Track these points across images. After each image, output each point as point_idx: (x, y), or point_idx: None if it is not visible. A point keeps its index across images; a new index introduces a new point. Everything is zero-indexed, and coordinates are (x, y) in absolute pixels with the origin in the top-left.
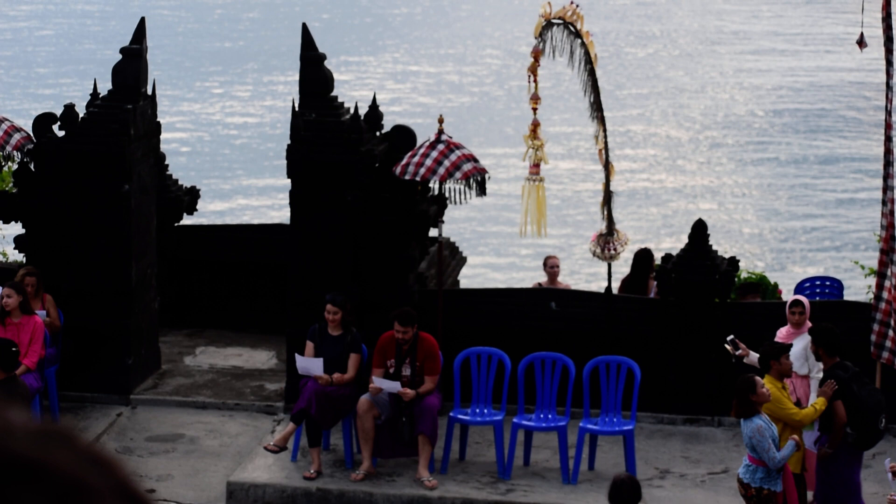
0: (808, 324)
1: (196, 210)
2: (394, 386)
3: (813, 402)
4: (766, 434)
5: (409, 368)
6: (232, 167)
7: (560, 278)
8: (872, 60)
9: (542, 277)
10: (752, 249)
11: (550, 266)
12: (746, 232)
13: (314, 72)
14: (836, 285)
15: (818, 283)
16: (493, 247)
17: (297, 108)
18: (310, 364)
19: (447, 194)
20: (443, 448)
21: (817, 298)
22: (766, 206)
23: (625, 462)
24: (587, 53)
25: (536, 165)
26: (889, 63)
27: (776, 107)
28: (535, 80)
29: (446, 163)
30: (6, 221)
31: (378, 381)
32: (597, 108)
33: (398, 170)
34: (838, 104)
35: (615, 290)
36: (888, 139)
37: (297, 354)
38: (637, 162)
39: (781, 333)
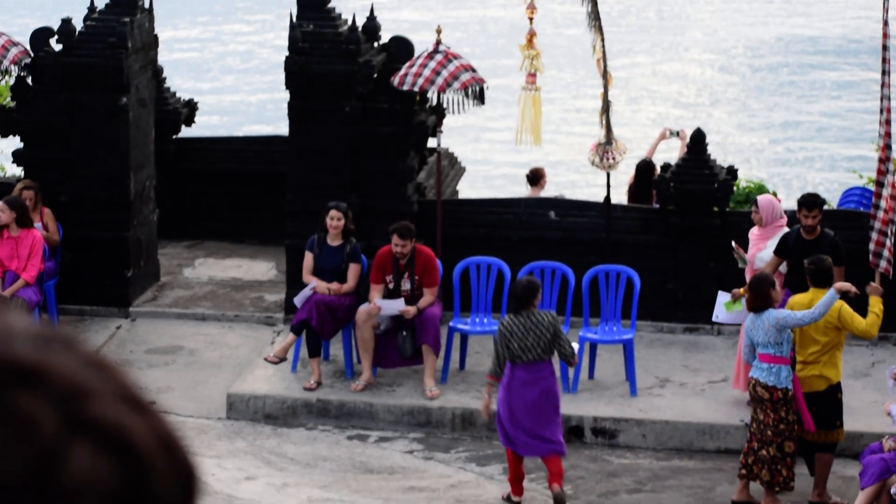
0: (780, 223)
1: (194, 122)
2: (395, 306)
3: (870, 306)
4: (787, 312)
5: (409, 282)
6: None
7: (557, 189)
8: None
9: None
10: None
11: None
12: (747, 143)
13: None
14: None
15: (867, 193)
16: (491, 157)
17: (294, 20)
18: (306, 292)
19: (445, 104)
20: (443, 358)
21: (861, 209)
22: (771, 117)
23: (625, 370)
24: None
25: (532, 75)
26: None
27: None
28: None
29: (444, 73)
30: (4, 136)
31: (380, 303)
32: (594, 17)
33: (396, 80)
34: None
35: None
36: (884, 48)
37: (294, 299)
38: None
39: (753, 234)
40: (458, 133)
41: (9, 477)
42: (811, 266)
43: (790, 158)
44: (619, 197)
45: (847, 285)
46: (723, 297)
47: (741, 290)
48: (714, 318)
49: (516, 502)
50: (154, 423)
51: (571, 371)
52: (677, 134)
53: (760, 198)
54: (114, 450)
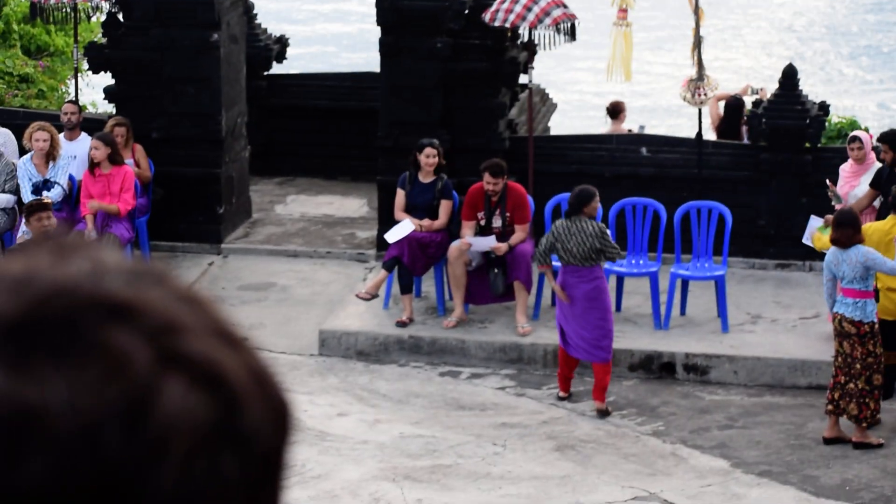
0: (872, 158)
1: (285, 59)
2: (486, 243)
3: None
4: (876, 255)
5: (500, 219)
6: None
7: (637, 121)
8: None
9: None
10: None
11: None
12: (839, 76)
13: None
14: None
15: None
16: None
17: None
18: (399, 230)
19: (537, 40)
20: (534, 295)
21: None
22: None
23: (716, 307)
24: None
25: (624, 10)
26: None
27: None
28: None
29: (536, 9)
30: (95, 72)
31: (471, 240)
32: None
33: (487, 16)
34: None
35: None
36: None
37: (386, 235)
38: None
39: (844, 170)
40: (549, 68)
41: (102, 413)
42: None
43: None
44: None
45: None
46: (815, 222)
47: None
48: (804, 240)
49: (563, 398)
50: (247, 359)
51: (664, 308)
52: (758, 91)
53: (863, 134)
54: (207, 385)
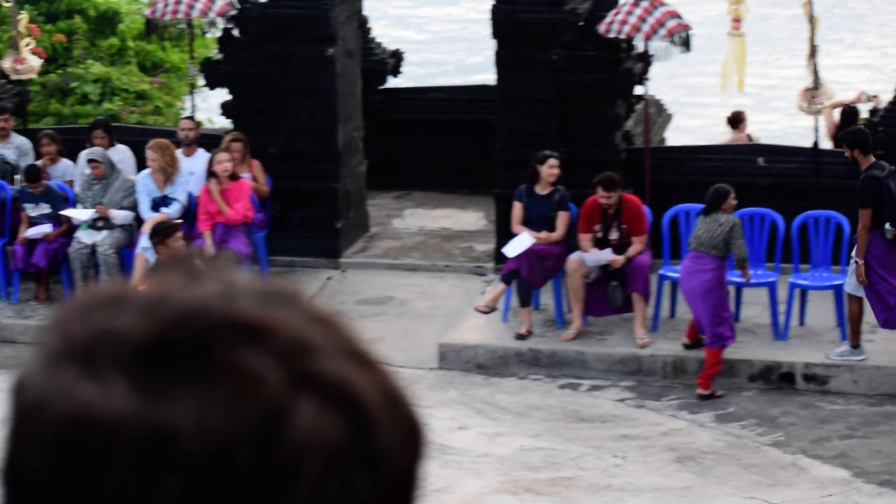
0: None
1: (400, 73)
2: (603, 256)
3: None
4: None
5: (617, 231)
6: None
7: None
8: None
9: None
10: None
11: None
12: None
13: None
14: None
15: None
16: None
17: None
18: (518, 243)
19: (652, 52)
20: (653, 306)
21: None
22: None
23: (835, 316)
24: None
25: (737, 20)
26: None
27: None
28: None
29: (651, 20)
30: (212, 88)
31: (587, 255)
32: None
33: (603, 28)
34: None
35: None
36: None
37: (504, 249)
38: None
39: None
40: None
41: (235, 433)
42: None
43: None
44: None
45: None
46: None
47: None
48: None
49: (687, 345)
50: (379, 378)
51: (783, 318)
52: (872, 99)
53: None
54: (339, 405)
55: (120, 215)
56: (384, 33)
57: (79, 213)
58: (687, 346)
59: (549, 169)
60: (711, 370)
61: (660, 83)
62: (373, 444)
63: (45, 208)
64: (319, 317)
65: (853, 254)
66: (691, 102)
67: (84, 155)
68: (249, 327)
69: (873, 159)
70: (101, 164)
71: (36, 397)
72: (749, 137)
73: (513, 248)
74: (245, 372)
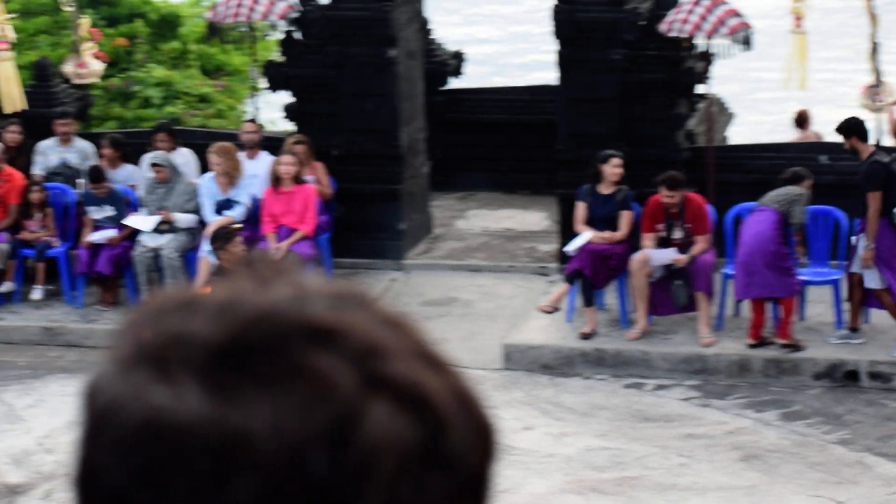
0: None
1: (462, 73)
2: (667, 255)
3: None
4: None
5: (680, 231)
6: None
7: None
8: None
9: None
10: None
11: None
12: None
13: None
14: None
15: None
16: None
17: None
18: (578, 240)
19: (713, 50)
20: (717, 305)
21: None
22: None
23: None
24: None
25: (799, 18)
26: None
27: None
28: None
29: (712, 18)
30: (274, 90)
31: (651, 252)
32: None
33: (664, 27)
34: None
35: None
36: None
37: (566, 248)
38: None
39: None
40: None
41: (308, 436)
42: None
43: None
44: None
45: None
46: None
47: None
48: None
49: (752, 345)
50: (450, 380)
51: (846, 316)
52: None
53: None
54: (411, 407)
55: (184, 219)
56: (449, 32)
57: (142, 222)
58: (751, 346)
59: (613, 169)
60: (789, 318)
61: (723, 80)
62: (445, 445)
63: (108, 210)
64: (390, 319)
65: (856, 240)
66: (756, 99)
67: (147, 159)
68: (321, 330)
69: (872, 148)
70: (164, 167)
71: (109, 402)
72: (816, 136)
73: (573, 245)
74: (317, 375)
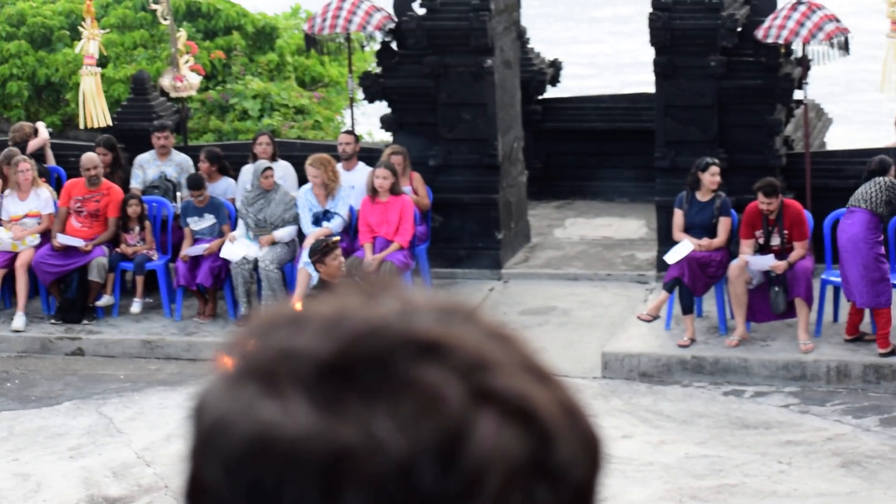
0: None
1: (559, 82)
2: (765, 262)
3: None
4: None
5: (778, 237)
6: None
7: None
8: None
9: None
10: None
11: None
12: None
13: None
14: None
15: None
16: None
17: None
18: (679, 250)
19: (810, 55)
20: (816, 311)
21: None
22: None
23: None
24: None
25: (895, 22)
26: None
27: None
28: None
29: (809, 24)
30: (371, 101)
31: (750, 259)
32: None
33: (761, 33)
34: None
35: None
36: None
37: (665, 256)
38: None
39: None
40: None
41: (417, 449)
42: None
43: None
44: None
45: None
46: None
47: None
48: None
49: (848, 339)
50: (557, 392)
51: None
52: None
53: None
54: (519, 420)
55: (283, 234)
56: (549, 37)
57: (237, 250)
58: (847, 341)
59: (711, 177)
60: (886, 329)
61: (821, 84)
62: (553, 458)
63: (209, 219)
64: (497, 332)
65: None
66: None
67: (245, 170)
68: (429, 344)
69: None
70: (273, 173)
71: (218, 417)
72: None
73: (673, 255)
74: (425, 388)
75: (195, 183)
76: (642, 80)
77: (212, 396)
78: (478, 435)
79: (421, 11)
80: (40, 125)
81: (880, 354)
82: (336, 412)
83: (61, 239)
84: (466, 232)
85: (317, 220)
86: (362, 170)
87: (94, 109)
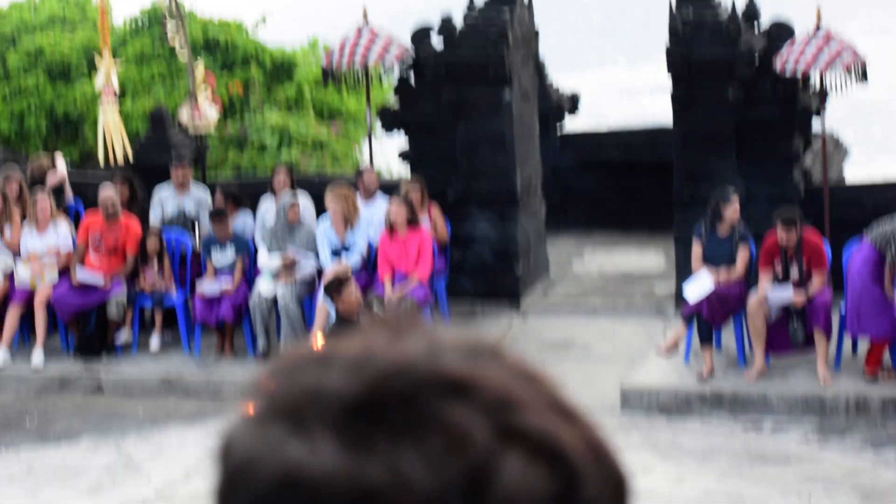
0: None
1: (577, 114)
2: (784, 295)
3: None
4: None
5: (797, 269)
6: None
7: None
8: None
9: None
10: None
11: None
12: None
13: None
14: None
15: None
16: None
17: (673, 8)
18: (699, 287)
19: (828, 86)
20: (835, 344)
21: None
22: None
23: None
24: None
25: None
26: None
27: None
28: None
29: (826, 54)
30: (389, 134)
31: (769, 293)
32: None
33: (778, 66)
34: None
35: None
36: None
37: (685, 293)
38: None
39: None
40: (842, 114)
41: (444, 488)
42: None
43: None
44: None
45: None
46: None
47: None
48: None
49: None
50: (584, 431)
51: None
52: None
53: None
54: (546, 459)
55: (303, 270)
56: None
57: (268, 285)
58: (869, 380)
59: (732, 212)
60: (878, 354)
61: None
62: (580, 496)
63: (230, 253)
64: (523, 370)
65: None
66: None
67: (265, 205)
68: (455, 383)
69: None
70: (297, 205)
71: (245, 455)
72: None
73: (693, 292)
74: (452, 427)
75: (218, 217)
76: (660, 107)
77: (238, 435)
78: (504, 474)
79: (438, 44)
80: (58, 154)
81: (867, 380)
82: (363, 451)
83: (80, 276)
84: (485, 266)
85: (336, 254)
86: (381, 203)
87: (115, 142)
